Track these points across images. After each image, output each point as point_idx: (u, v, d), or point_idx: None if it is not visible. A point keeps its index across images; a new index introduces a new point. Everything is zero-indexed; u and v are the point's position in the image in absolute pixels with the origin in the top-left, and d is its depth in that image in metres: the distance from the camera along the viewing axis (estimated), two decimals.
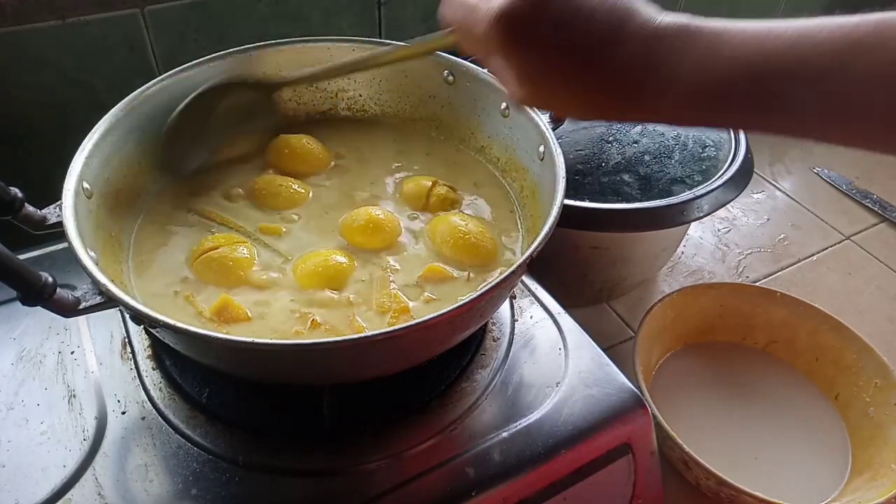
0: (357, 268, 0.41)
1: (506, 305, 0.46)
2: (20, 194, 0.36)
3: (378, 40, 0.50)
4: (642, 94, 0.26)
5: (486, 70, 0.32)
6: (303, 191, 0.46)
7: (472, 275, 0.41)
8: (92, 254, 0.35)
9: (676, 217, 0.53)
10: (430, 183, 0.46)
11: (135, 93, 0.43)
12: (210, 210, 0.44)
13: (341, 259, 0.41)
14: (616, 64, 0.26)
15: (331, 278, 0.40)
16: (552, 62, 0.27)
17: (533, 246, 0.34)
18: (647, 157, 0.57)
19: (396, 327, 0.31)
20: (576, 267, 0.59)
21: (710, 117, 0.27)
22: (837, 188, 0.82)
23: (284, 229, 0.43)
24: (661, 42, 0.26)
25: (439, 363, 0.41)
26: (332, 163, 0.49)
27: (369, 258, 0.42)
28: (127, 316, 0.43)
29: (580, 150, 0.57)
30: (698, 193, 0.53)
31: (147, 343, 0.42)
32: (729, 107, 0.26)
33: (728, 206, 0.56)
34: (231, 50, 0.48)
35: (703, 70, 0.25)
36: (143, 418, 0.38)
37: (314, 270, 0.40)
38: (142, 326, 0.41)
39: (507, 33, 0.27)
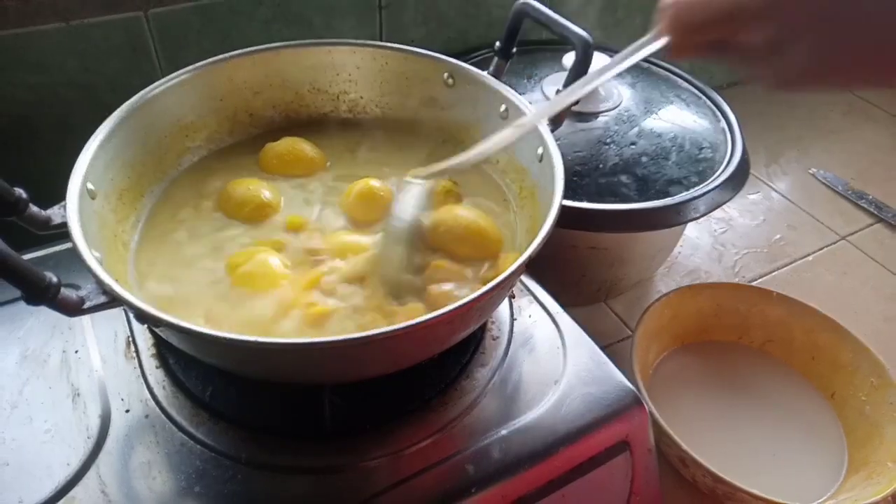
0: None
1: (505, 305, 0.46)
2: (24, 195, 0.36)
3: (380, 43, 0.51)
4: None
5: (729, 58, 0.28)
6: (270, 197, 0.46)
7: (485, 268, 0.41)
8: (96, 254, 0.35)
9: (673, 218, 0.53)
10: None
11: (138, 94, 0.43)
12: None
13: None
14: None
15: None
16: (849, 8, 0.24)
17: (532, 246, 0.35)
18: (644, 159, 0.57)
19: (396, 327, 0.31)
20: (574, 267, 0.60)
21: None
22: (833, 189, 0.82)
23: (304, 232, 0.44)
24: None
25: (439, 362, 0.41)
26: (328, 164, 0.50)
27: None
28: (131, 315, 0.43)
29: (578, 151, 0.57)
30: (695, 194, 0.54)
31: (151, 342, 0.42)
32: None
33: (724, 206, 0.56)
34: (234, 53, 0.48)
35: None
36: (147, 416, 0.39)
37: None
38: (145, 325, 0.42)
39: None
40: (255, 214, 0.44)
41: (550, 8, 0.45)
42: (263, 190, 0.45)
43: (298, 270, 0.41)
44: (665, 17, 0.28)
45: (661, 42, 0.30)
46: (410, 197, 0.42)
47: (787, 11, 0.25)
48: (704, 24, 0.27)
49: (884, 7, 0.25)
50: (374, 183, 0.45)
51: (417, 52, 0.50)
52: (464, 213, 0.43)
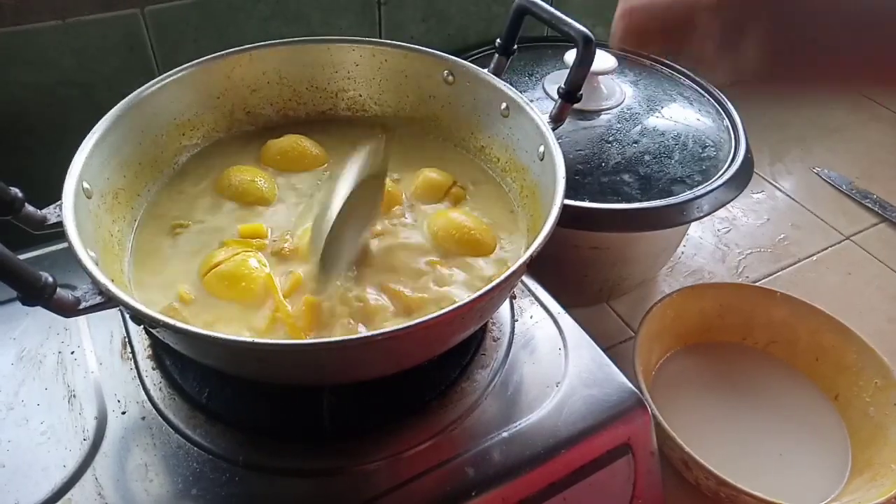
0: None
1: (506, 305, 0.46)
2: (20, 194, 0.36)
3: (378, 40, 0.51)
4: None
5: (682, 58, 0.30)
6: (268, 186, 0.46)
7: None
8: (92, 254, 0.34)
9: (676, 217, 0.53)
10: (451, 182, 0.46)
11: (135, 93, 0.43)
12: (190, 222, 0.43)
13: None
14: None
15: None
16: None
17: (533, 246, 0.34)
18: (647, 157, 0.57)
19: (397, 328, 0.31)
20: (576, 267, 0.59)
21: None
22: (837, 188, 0.82)
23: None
24: None
25: (439, 363, 0.41)
26: (327, 163, 0.49)
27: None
28: (127, 316, 0.43)
29: (580, 149, 0.57)
30: (698, 193, 0.53)
31: (147, 343, 0.42)
32: None
33: (728, 206, 0.56)
34: (231, 50, 0.48)
35: None
36: (143, 418, 0.38)
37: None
38: (142, 326, 0.41)
39: None
40: (253, 200, 0.44)
41: (552, 4, 0.45)
42: (260, 178, 0.45)
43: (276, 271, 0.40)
44: (621, 26, 0.29)
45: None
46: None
47: (735, 6, 0.25)
48: (659, 30, 0.28)
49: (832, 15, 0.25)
50: None
51: (417, 50, 0.49)
52: (458, 216, 0.43)
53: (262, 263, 0.40)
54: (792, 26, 0.26)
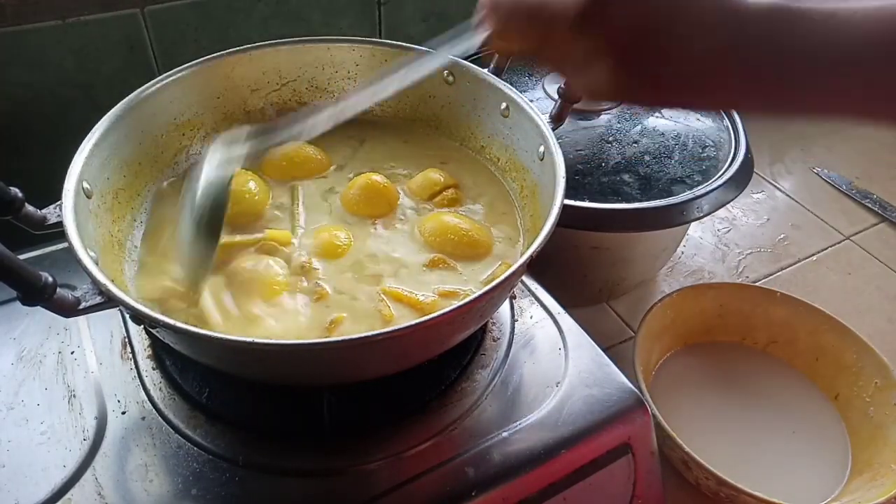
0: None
1: (506, 305, 0.46)
2: (20, 194, 0.36)
3: (378, 40, 0.51)
4: (747, 77, 0.26)
5: (544, 68, 0.31)
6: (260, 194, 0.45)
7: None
8: (92, 254, 0.35)
9: (676, 217, 0.53)
10: (443, 178, 0.47)
11: (135, 93, 0.43)
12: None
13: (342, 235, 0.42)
14: (722, 42, 0.26)
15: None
16: (652, 41, 0.26)
17: (533, 246, 0.34)
18: (647, 157, 0.57)
19: (396, 327, 0.31)
20: (576, 267, 0.59)
21: (809, 102, 0.27)
22: (837, 188, 0.82)
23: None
24: (768, 22, 0.25)
25: (439, 363, 0.41)
26: (333, 166, 0.49)
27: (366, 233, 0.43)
28: (127, 316, 0.43)
29: (580, 150, 0.57)
30: (698, 193, 0.53)
31: (147, 343, 0.42)
32: (838, 87, 0.25)
33: (728, 206, 0.56)
34: (231, 50, 0.48)
35: (822, 49, 0.25)
36: (143, 418, 0.38)
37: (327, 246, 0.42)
38: (142, 326, 0.41)
39: (607, 15, 0.26)
40: (245, 212, 0.44)
41: None
42: (251, 182, 0.45)
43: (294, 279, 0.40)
44: (484, 9, 0.30)
45: (482, 33, 0.31)
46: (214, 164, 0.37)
47: (593, 31, 0.27)
48: (520, 24, 0.29)
49: (686, 51, 0.26)
50: (376, 178, 0.45)
51: (417, 49, 0.49)
52: (453, 219, 0.43)
53: (278, 263, 0.40)
54: (645, 59, 0.27)
